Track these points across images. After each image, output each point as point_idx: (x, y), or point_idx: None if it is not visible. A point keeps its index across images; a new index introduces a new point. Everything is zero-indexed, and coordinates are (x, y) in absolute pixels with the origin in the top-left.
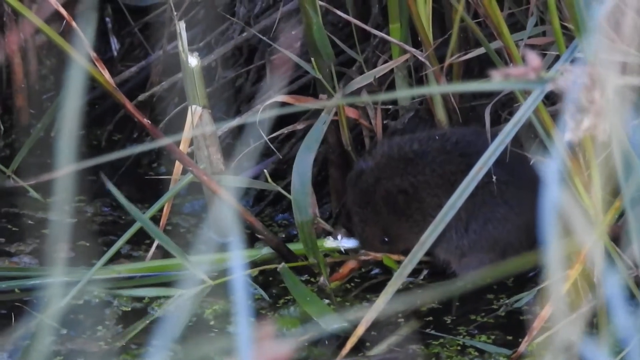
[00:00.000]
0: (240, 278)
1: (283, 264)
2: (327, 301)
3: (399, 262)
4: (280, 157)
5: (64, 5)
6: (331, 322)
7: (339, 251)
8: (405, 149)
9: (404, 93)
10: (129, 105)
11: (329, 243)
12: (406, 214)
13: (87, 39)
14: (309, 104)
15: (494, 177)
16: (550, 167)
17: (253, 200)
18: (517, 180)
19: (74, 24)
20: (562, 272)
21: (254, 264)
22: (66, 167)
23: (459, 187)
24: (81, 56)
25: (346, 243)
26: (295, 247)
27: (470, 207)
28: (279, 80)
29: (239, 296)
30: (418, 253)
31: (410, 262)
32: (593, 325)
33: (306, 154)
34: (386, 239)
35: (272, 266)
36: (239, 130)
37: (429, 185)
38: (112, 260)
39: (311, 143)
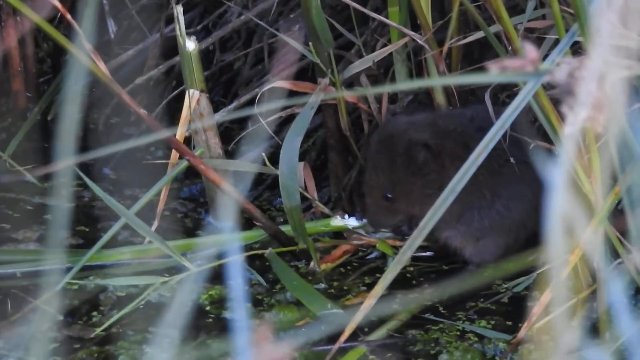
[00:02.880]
0: (235, 264)
1: (270, 249)
2: (323, 285)
3: (394, 247)
4: (279, 141)
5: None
6: (321, 307)
7: (345, 230)
8: (436, 119)
9: (405, 85)
10: (125, 95)
11: (336, 222)
12: (422, 171)
13: (85, 30)
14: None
15: (512, 159)
16: (555, 159)
17: (251, 184)
18: (531, 160)
19: (70, 18)
20: (563, 258)
21: (249, 248)
22: (67, 156)
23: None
24: (79, 48)
25: (353, 222)
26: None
27: (494, 185)
28: (283, 72)
29: (235, 283)
30: (418, 238)
31: (409, 247)
32: (593, 312)
33: (294, 138)
34: (389, 195)
35: (266, 251)
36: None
37: (453, 152)
38: (110, 247)
39: (299, 128)
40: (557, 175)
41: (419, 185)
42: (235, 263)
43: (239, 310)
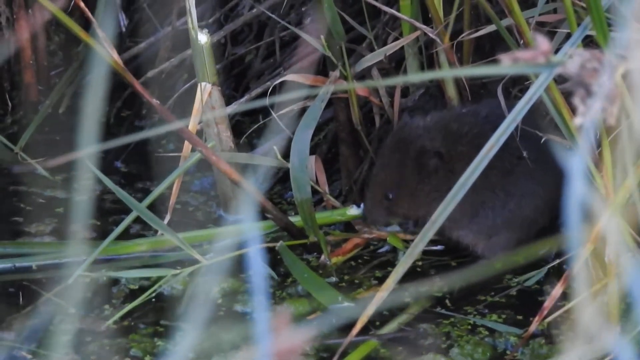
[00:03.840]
0: (255, 254)
1: (281, 242)
2: (334, 279)
3: (405, 241)
4: (290, 134)
5: None
6: (332, 300)
7: (352, 219)
8: (450, 121)
9: (416, 77)
10: (138, 86)
11: (352, 211)
12: (430, 178)
13: (99, 20)
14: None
15: (525, 154)
16: (573, 156)
17: (264, 177)
18: (543, 157)
19: (85, 8)
20: (581, 247)
21: (260, 241)
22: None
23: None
24: (95, 39)
25: (354, 210)
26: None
27: (506, 185)
28: (304, 63)
29: (254, 274)
30: (430, 231)
31: (421, 240)
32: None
33: (304, 131)
34: (390, 196)
35: (277, 244)
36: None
37: (465, 156)
38: (123, 239)
39: (309, 121)
40: (575, 167)
41: (425, 191)
42: (255, 253)
43: (258, 300)
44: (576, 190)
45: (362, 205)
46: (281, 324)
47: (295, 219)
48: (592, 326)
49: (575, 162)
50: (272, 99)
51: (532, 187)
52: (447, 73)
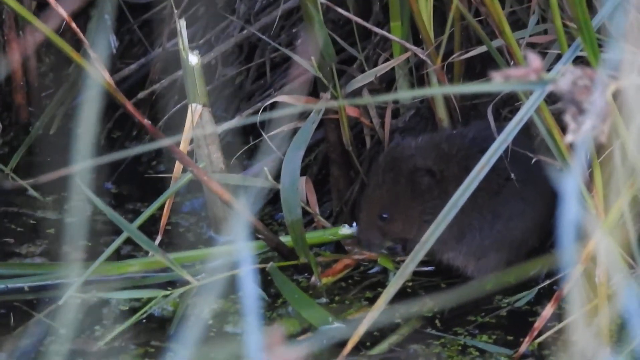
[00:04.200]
0: (247, 276)
1: (272, 263)
2: (324, 300)
3: (395, 262)
4: (281, 155)
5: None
6: (322, 321)
7: (353, 237)
8: (441, 142)
9: (407, 94)
10: (129, 106)
11: (344, 230)
12: (424, 197)
13: (90, 41)
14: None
15: (513, 175)
16: (565, 177)
17: (254, 198)
18: (532, 177)
19: (77, 29)
20: (568, 272)
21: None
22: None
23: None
24: (86, 60)
25: (346, 229)
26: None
27: (494, 206)
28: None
29: (247, 295)
30: (420, 252)
31: (412, 261)
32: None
33: (295, 153)
34: (385, 216)
35: (268, 265)
36: (240, 128)
37: (456, 178)
38: (114, 260)
39: (300, 142)
40: (567, 188)
41: (419, 211)
42: (247, 274)
43: (250, 321)
44: (568, 211)
45: (354, 224)
46: (274, 344)
47: (286, 239)
48: (584, 347)
49: (568, 182)
50: (263, 119)
51: (521, 208)
52: (438, 90)
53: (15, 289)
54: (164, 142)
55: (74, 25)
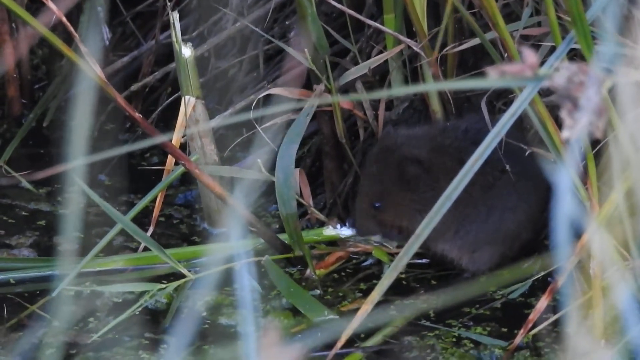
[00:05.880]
0: (242, 269)
1: (266, 256)
2: (318, 292)
3: (390, 254)
4: (275, 148)
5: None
6: (317, 313)
7: (338, 239)
8: (433, 134)
9: (400, 90)
10: (121, 100)
11: (328, 231)
12: (413, 186)
13: (82, 35)
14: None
15: (508, 168)
16: (560, 170)
17: (249, 190)
18: (525, 171)
19: (68, 24)
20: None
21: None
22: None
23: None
24: (77, 54)
25: (345, 231)
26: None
27: (488, 200)
28: (293, 76)
29: (241, 288)
30: (414, 244)
31: (406, 253)
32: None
33: (289, 146)
34: (377, 205)
35: (263, 258)
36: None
37: (448, 168)
38: (106, 252)
39: (294, 135)
40: (562, 181)
41: (408, 200)
42: (243, 267)
43: (245, 314)
44: (562, 204)
45: (351, 221)
46: (270, 340)
47: (283, 237)
48: (578, 339)
49: (562, 175)
50: (256, 112)
51: (515, 201)
52: (432, 86)
53: (6, 281)
54: (158, 138)
55: (64, 20)
